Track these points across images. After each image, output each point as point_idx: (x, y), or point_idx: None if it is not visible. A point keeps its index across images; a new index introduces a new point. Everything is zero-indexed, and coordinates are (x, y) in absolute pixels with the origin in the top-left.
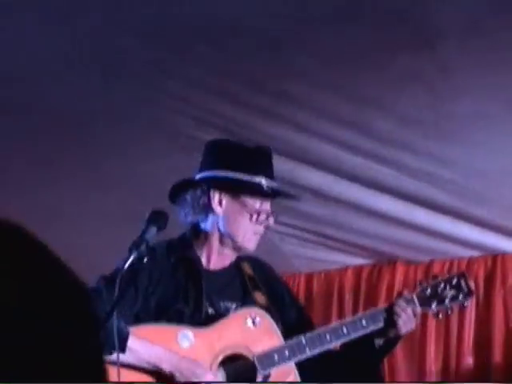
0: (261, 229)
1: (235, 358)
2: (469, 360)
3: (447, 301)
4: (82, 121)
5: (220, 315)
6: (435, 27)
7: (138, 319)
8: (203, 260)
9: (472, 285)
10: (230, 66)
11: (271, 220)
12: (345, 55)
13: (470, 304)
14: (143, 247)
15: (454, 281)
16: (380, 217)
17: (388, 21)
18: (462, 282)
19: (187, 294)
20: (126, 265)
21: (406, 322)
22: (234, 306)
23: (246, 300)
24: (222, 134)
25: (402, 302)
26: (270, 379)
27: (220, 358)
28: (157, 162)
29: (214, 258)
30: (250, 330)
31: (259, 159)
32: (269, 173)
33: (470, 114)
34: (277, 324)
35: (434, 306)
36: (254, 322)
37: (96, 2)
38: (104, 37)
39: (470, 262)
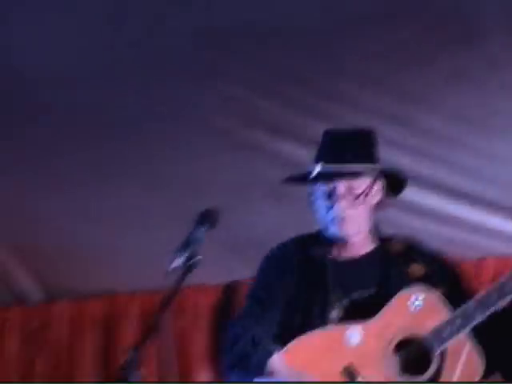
0: (335, 212)
1: (408, 342)
2: None
3: None
4: (134, 119)
5: (357, 305)
6: (483, 23)
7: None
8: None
9: None
10: (279, 66)
11: (340, 203)
12: (394, 52)
13: None
14: (192, 248)
15: None
16: (431, 215)
17: (437, 17)
18: None
19: (312, 290)
20: (174, 265)
21: None
22: (369, 292)
23: (391, 280)
24: (269, 132)
25: None
26: (448, 354)
27: (393, 346)
28: (206, 160)
29: (338, 249)
30: (416, 310)
31: (323, 146)
32: (329, 157)
33: None
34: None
35: None
36: (417, 301)
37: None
38: (150, 36)
39: None
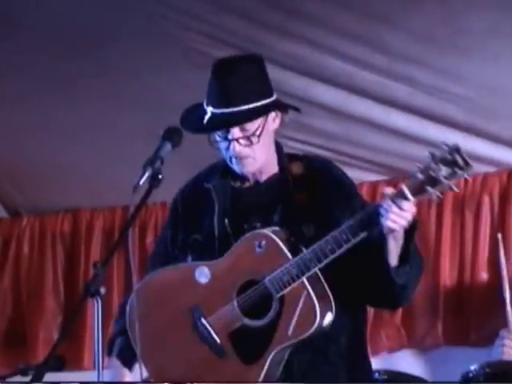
0: (231, 153)
1: (250, 286)
2: (483, 276)
3: (443, 179)
4: (94, 39)
5: (237, 238)
6: None
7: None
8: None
9: (468, 159)
10: None
11: (235, 146)
12: None
13: (485, 219)
14: (158, 164)
15: (448, 158)
16: (393, 132)
17: None
18: (457, 157)
19: (200, 221)
20: (141, 181)
21: (395, 219)
22: (258, 224)
23: (279, 207)
24: (234, 50)
25: (386, 202)
26: (286, 300)
27: (236, 289)
28: (169, 78)
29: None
30: (258, 254)
31: (211, 87)
32: (218, 101)
33: (483, 30)
34: (310, 223)
35: (429, 189)
36: (260, 246)
37: None
38: None
39: (485, 177)
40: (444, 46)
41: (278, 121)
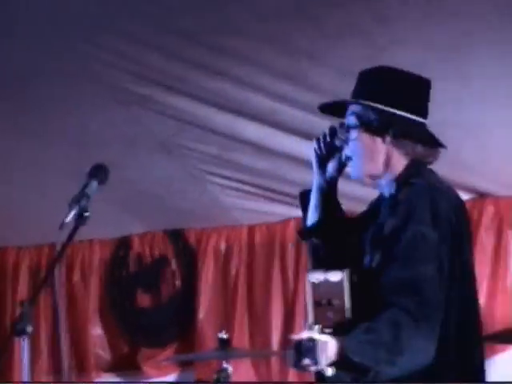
0: None
1: None
2: None
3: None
4: (20, 75)
5: None
6: None
7: None
8: None
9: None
10: (165, 20)
11: None
12: (280, 9)
13: None
14: (84, 201)
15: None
16: None
17: None
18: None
19: None
20: (68, 219)
21: None
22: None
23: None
24: (159, 88)
25: None
26: None
27: None
28: (93, 114)
29: None
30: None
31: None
32: None
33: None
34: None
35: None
36: None
37: None
38: None
39: None
40: None
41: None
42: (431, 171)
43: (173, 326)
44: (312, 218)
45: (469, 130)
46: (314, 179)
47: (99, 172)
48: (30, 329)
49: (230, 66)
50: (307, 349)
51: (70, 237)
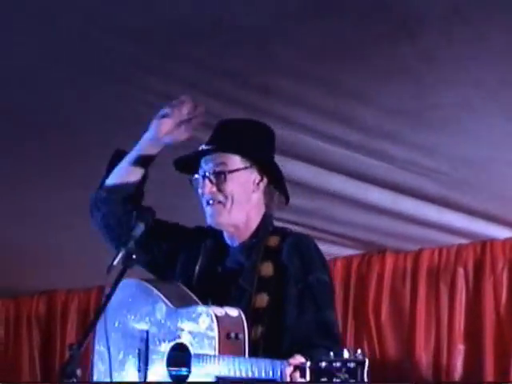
0: (205, 198)
1: None
2: (460, 348)
3: (337, 380)
4: (67, 121)
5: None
6: (418, 17)
7: None
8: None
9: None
10: (214, 62)
11: (205, 195)
12: (329, 49)
13: (461, 292)
14: (131, 244)
15: (351, 365)
16: (368, 207)
17: (370, 12)
18: (359, 371)
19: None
20: (115, 262)
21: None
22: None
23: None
24: (206, 130)
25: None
26: None
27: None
28: None
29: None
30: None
31: None
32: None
33: (454, 105)
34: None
35: (323, 380)
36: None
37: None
38: (83, 35)
39: (459, 249)
40: (416, 120)
41: (261, 187)
42: None
43: None
44: None
45: None
46: None
47: (146, 214)
48: (79, 372)
49: (278, 107)
50: None
51: (119, 279)
